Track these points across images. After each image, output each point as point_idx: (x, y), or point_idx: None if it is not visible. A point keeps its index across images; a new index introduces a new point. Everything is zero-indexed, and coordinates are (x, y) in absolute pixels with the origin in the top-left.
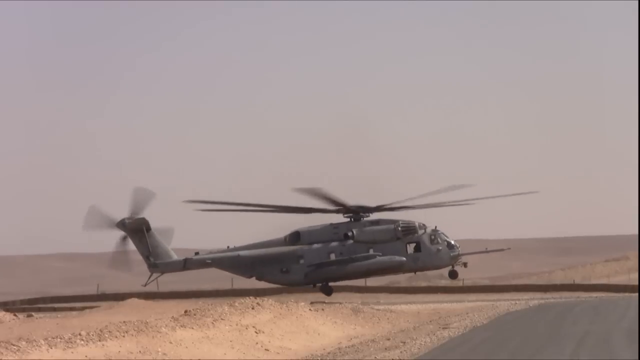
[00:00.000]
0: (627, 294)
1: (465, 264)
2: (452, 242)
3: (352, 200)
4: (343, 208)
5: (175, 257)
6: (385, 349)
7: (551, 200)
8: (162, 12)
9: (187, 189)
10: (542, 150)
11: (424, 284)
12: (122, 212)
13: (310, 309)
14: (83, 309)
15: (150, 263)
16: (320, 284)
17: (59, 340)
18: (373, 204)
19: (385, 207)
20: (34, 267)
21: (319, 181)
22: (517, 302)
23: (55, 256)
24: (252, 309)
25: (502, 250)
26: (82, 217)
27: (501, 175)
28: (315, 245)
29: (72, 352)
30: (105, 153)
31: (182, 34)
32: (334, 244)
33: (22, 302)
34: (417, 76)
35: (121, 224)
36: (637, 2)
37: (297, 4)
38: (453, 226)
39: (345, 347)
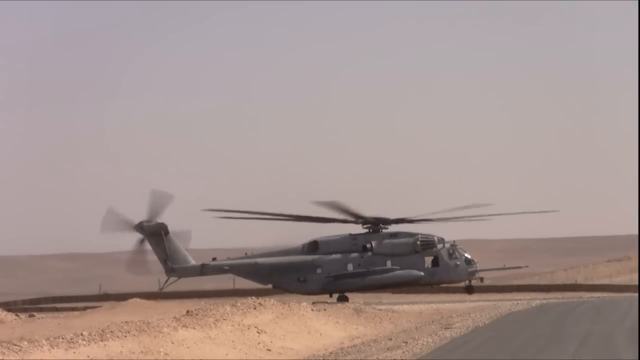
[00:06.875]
0: (629, 294)
1: (482, 279)
2: (470, 258)
3: (370, 211)
4: (362, 219)
5: (192, 262)
6: (388, 349)
7: (553, 200)
8: (161, 13)
9: (195, 188)
10: (544, 150)
11: None
12: (128, 213)
13: (312, 309)
14: (85, 309)
15: (167, 267)
16: (337, 295)
17: (60, 340)
18: (392, 216)
19: (404, 220)
20: (36, 267)
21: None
22: (519, 302)
23: (57, 256)
24: (254, 309)
25: (519, 267)
26: (84, 216)
27: (502, 174)
28: (334, 256)
29: (74, 352)
30: (107, 152)
31: (185, 32)
32: (352, 255)
33: (24, 302)
34: (417, 76)
35: (139, 227)
36: (637, 2)
37: (294, 4)
38: (456, 226)
39: (348, 347)
